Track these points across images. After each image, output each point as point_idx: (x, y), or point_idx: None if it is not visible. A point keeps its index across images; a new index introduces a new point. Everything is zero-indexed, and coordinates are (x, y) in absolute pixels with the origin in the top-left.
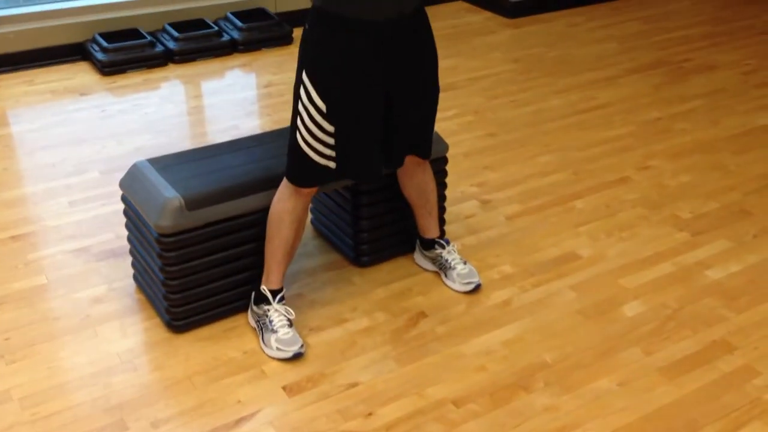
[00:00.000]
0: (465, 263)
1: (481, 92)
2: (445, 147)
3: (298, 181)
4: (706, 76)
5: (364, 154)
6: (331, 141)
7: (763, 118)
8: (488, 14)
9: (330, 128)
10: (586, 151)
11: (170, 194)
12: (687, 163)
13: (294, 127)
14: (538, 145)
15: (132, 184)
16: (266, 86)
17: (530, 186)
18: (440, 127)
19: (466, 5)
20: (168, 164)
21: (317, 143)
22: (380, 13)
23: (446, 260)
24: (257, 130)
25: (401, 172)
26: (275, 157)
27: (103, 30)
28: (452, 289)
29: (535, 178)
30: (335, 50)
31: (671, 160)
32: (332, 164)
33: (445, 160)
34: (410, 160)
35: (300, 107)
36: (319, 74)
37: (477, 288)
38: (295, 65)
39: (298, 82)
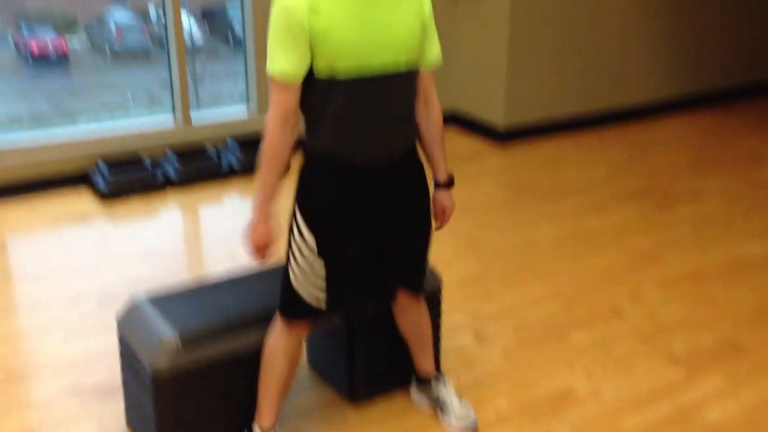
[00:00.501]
0: (461, 400)
1: (473, 219)
2: (439, 281)
3: (289, 317)
4: (692, 204)
5: (355, 294)
6: (321, 280)
7: (749, 248)
8: (479, 140)
9: (320, 266)
10: (577, 279)
11: (167, 333)
12: (678, 294)
13: (286, 262)
14: (530, 275)
15: (128, 321)
16: None
17: (524, 317)
18: (433, 254)
19: (458, 130)
20: (166, 300)
21: (307, 281)
22: (371, 160)
23: (442, 397)
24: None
25: (396, 308)
26: (273, 293)
27: (106, 157)
28: (449, 426)
29: (528, 308)
30: (326, 191)
31: (662, 290)
32: (323, 302)
33: (438, 294)
34: (404, 296)
35: (292, 243)
36: (311, 212)
37: (474, 427)
38: (292, 191)
39: (292, 218)
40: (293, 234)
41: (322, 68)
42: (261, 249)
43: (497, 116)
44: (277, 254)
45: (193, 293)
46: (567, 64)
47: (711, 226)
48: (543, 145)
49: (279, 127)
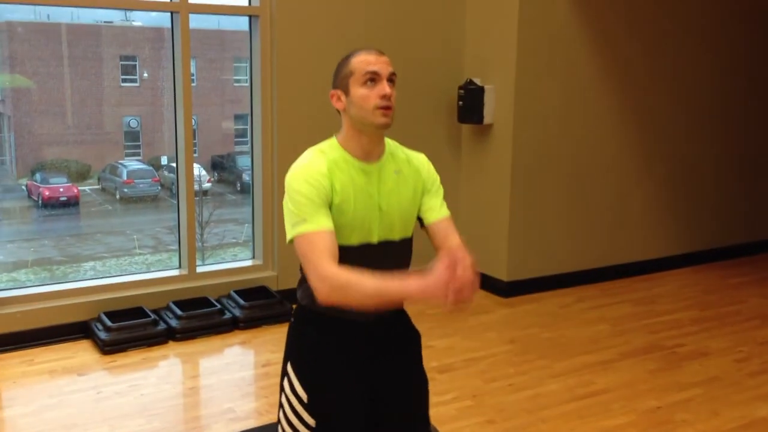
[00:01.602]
0: None
1: (478, 374)
2: None
3: None
4: (700, 363)
5: None
6: None
7: (761, 410)
8: (482, 293)
9: (311, 422)
10: None
11: None
12: None
13: (279, 416)
14: None
15: None
16: (264, 365)
17: None
18: (438, 411)
19: None
20: None
21: None
22: (361, 316)
23: None
24: (253, 414)
25: None
26: None
27: (109, 308)
28: None
29: None
30: (318, 346)
31: None
32: None
33: None
34: None
35: (283, 399)
36: (302, 366)
37: None
38: (282, 346)
39: (283, 373)
40: (284, 389)
41: None
42: (444, 285)
43: (500, 272)
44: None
45: None
46: (566, 223)
47: (720, 388)
48: (546, 299)
49: (333, 265)
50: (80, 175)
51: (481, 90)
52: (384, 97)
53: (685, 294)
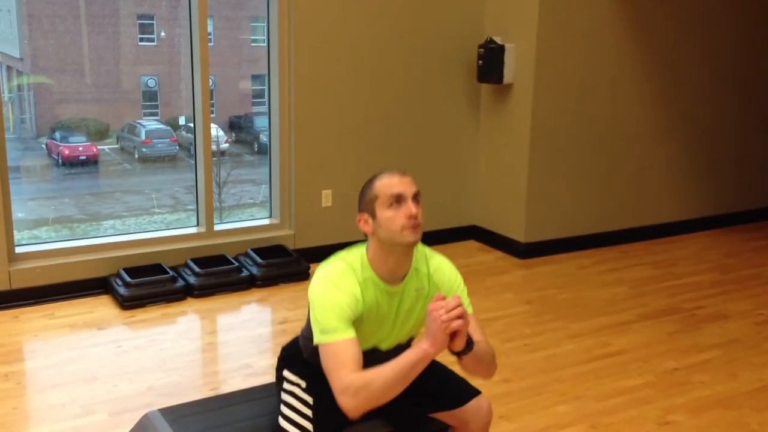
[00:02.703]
0: None
1: (495, 334)
2: None
3: None
4: (720, 326)
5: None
6: (308, 418)
7: None
8: (500, 254)
9: (309, 399)
10: (603, 402)
11: None
12: (709, 420)
13: (278, 403)
14: (554, 394)
15: None
16: (281, 323)
17: None
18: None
19: (478, 245)
20: (179, 416)
21: (295, 414)
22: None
23: None
24: (270, 369)
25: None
26: None
27: (128, 265)
28: None
29: (552, 430)
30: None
31: (692, 415)
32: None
33: None
34: (472, 406)
35: (283, 396)
36: (297, 364)
37: None
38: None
39: (279, 381)
40: (284, 389)
41: None
42: (446, 326)
43: (518, 233)
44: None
45: (207, 408)
46: (586, 184)
47: (740, 350)
48: (564, 261)
49: (356, 372)
50: (99, 134)
51: (502, 49)
52: (410, 216)
53: (706, 257)
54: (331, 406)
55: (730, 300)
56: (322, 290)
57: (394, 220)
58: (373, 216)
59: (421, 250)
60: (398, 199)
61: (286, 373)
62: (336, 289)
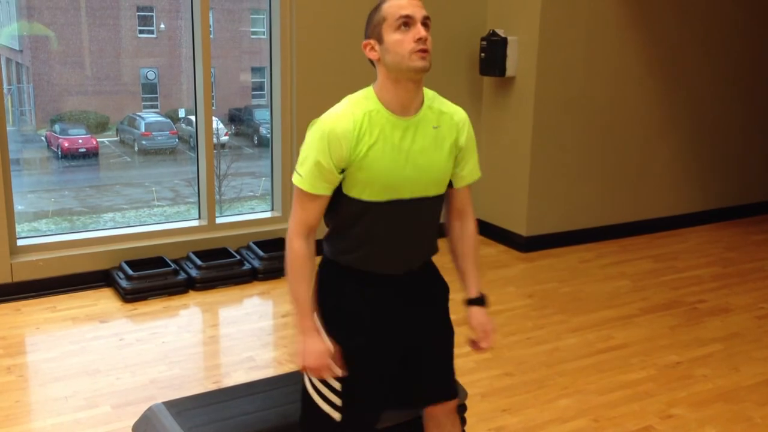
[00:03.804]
0: None
1: (497, 328)
2: (464, 394)
3: (309, 429)
4: (721, 319)
5: (371, 410)
6: (337, 386)
7: None
8: (502, 247)
9: (337, 371)
10: (605, 395)
11: None
12: (711, 414)
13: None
14: (556, 387)
15: (146, 430)
16: (283, 316)
17: None
18: (457, 363)
19: (480, 238)
20: (184, 409)
21: (324, 387)
22: (389, 270)
23: None
24: (272, 363)
25: (429, 423)
26: (292, 402)
27: (130, 258)
28: None
29: (555, 423)
30: (344, 297)
31: (694, 409)
32: (336, 414)
33: (463, 408)
34: (440, 410)
35: None
36: (329, 318)
37: None
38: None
39: None
40: None
41: (351, 190)
42: (322, 365)
43: (520, 227)
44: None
45: (211, 402)
46: (588, 178)
47: (741, 344)
48: (566, 255)
49: (304, 239)
50: (99, 126)
51: (504, 41)
52: (419, 39)
53: (707, 251)
54: (360, 378)
55: (731, 294)
56: (315, 132)
57: (402, 43)
58: (380, 41)
59: (434, 93)
60: (407, 22)
61: (315, 319)
62: (326, 135)
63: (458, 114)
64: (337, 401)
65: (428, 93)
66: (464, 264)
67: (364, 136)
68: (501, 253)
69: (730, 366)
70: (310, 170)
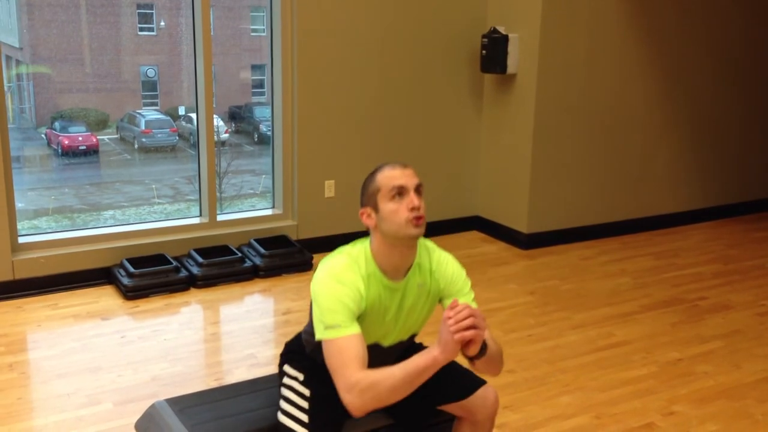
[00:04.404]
0: None
1: (498, 325)
2: None
3: None
4: (722, 317)
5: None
6: (305, 405)
7: None
8: (503, 245)
9: (307, 392)
10: (607, 392)
11: None
12: (712, 411)
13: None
14: (557, 384)
15: (149, 427)
16: (285, 313)
17: (552, 430)
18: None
19: (481, 235)
20: (186, 406)
21: (292, 407)
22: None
23: None
24: (274, 360)
25: (466, 425)
26: None
27: (131, 255)
28: None
29: (556, 420)
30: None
31: (696, 406)
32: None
33: None
34: (478, 397)
35: (283, 390)
36: (297, 359)
37: None
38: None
39: (280, 376)
40: (284, 384)
41: None
42: (461, 333)
43: (521, 224)
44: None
45: (214, 399)
46: (589, 175)
47: (743, 341)
48: (567, 252)
49: (361, 371)
50: (99, 124)
51: (505, 39)
52: (413, 208)
53: (708, 248)
54: (328, 399)
55: (732, 291)
56: (326, 285)
57: (397, 212)
58: (376, 209)
59: (423, 244)
60: (400, 192)
61: (286, 368)
62: (340, 284)
63: (441, 268)
64: (305, 418)
65: (421, 247)
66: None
67: (366, 297)
68: (502, 250)
69: (732, 363)
70: (341, 316)
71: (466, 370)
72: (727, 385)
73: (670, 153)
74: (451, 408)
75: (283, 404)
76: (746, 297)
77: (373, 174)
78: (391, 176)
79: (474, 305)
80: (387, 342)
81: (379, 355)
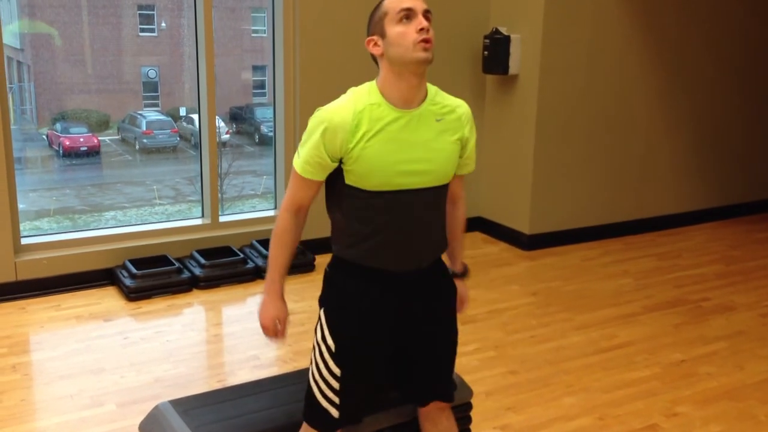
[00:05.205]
0: None
1: (501, 326)
2: (469, 393)
3: (309, 422)
4: (725, 318)
5: (368, 408)
6: (336, 385)
7: None
8: (505, 246)
9: (337, 371)
10: (610, 393)
11: None
12: (716, 411)
13: (310, 365)
14: (560, 385)
15: (152, 429)
16: (288, 314)
17: (556, 431)
18: (461, 362)
19: (483, 236)
20: (190, 407)
21: (323, 384)
22: (399, 266)
23: None
24: (277, 361)
25: (424, 420)
26: (298, 400)
27: (133, 256)
28: None
29: (560, 422)
30: (351, 295)
31: (699, 407)
32: (334, 411)
33: (469, 406)
34: (434, 407)
35: (315, 343)
36: (334, 316)
37: None
38: (315, 293)
39: (317, 320)
40: (317, 334)
41: (354, 181)
42: (270, 327)
43: (523, 225)
44: (286, 337)
45: (218, 400)
46: (591, 176)
47: (746, 342)
48: (569, 253)
49: (292, 214)
50: (100, 124)
51: (507, 39)
52: (422, 30)
53: (711, 249)
54: (359, 378)
55: (735, 292)
56: (315, 120)
57: (404, 35)
58: (383, 35)
59: (436, 89)
60: (408, 14)
61: (321, 315)
62: (325, 124)
63: (461, 107)
64: (336, 399)
65: (431, 88)
66: (452, 243)
67: (363, 128)
68: (504, 251)
69: (735, 364)
70: (306, 155)
71: (444, 378)
72: (730, 386)
73: (672, 153)
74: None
75: (315, 375)
76: (749, 298)
77: (379, 2)
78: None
79: (473, 165)
80: (413, 185)
81: (406, 202)
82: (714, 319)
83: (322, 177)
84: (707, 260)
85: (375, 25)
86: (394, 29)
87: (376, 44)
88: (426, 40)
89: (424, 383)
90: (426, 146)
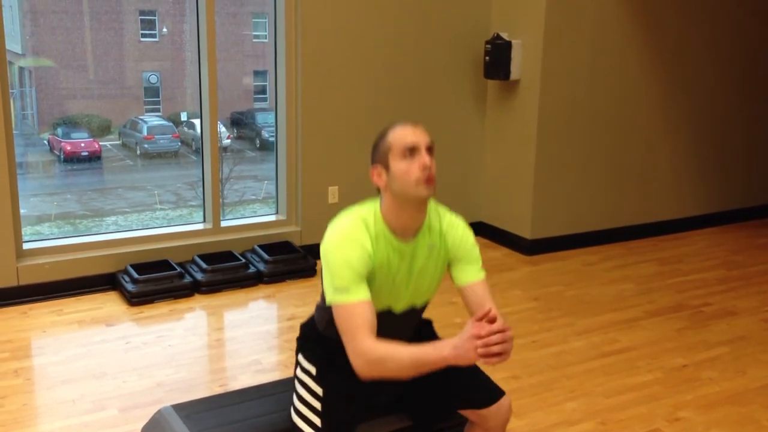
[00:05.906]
0: None
1: None
2: None
3: None
4: (727, 323)
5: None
6: (318, 406)
7: None
8: (506, 251)
9: (319, 390)
10: (612, 398)
11: None
12: (718, 416)
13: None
14: (562, 390)
15: None
16: (289, 319)
17: None
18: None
19: (484, 241)
20: (193, 412)
21: (305, 408)
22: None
23: None
24: (279, 366)
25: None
26: None
27: (135, 261)
28: None
29: (562, 426)
30: (327, 355)
31: (701, 412)
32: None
33: None
34: (477, 416)
35: (296, 384)
36: (311, 350)
37: None
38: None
39: (295, 366)
40: (297, 377)
41: None
42: (482, 348)
43: (524, 230)
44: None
45: (220, 405)
46: (592, 181)
47: (748, 347)
48: (571, 258)
49: (372, 339)
50: (101, 130)
51: (509, 45)
52: (425, 168)
53: (712, 254)
54: (341, 398)
55: (737, 297)
56: (335, 247)
57: (408, 172)
58: (387, 168)
59: (435, 207)
60: (412, 151)
61: (300, 358)
62: (348, 246)
63: (451, 230)
64: (317, 421)
65: (431, 209)
66: None
67: (372, 255)
68: (505, 256)
69: (737, 369)
70: (349, 280)
71: (488, 378)
72: (732, 391)
73: (673, 158)
74: (466, 411)
75: (297, 403)
76: (751, 303)
77: (384, 133)
78: (402, 134)
79: (482, 274)
80: (399, 307)
81: (392, 323)
82: (716, 324)
83: (369, 293)
84: (709, 265)
85: (380, 156)
86: (398, 165)
87: (379, 175)
88: (429, 178)
89: (479, 390)
90: (419, 276)
